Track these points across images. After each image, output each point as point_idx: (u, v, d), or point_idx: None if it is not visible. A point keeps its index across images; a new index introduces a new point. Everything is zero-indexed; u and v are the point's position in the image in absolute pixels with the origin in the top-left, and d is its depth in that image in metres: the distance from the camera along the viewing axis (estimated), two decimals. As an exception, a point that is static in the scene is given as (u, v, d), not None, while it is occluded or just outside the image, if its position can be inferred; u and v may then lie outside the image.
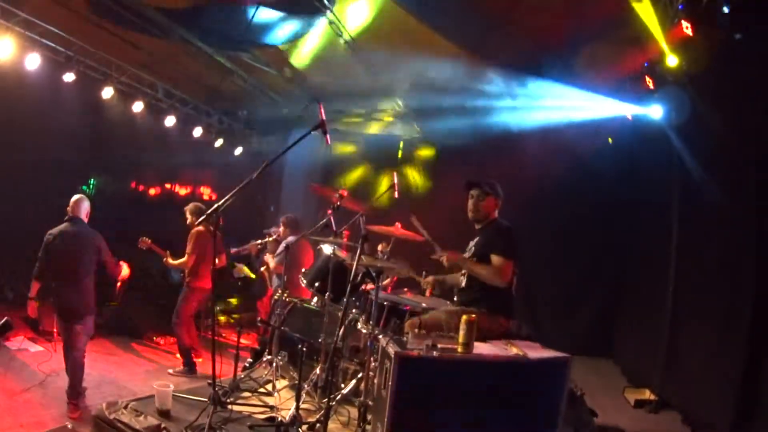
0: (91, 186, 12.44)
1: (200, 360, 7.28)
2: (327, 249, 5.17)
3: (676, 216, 7.47)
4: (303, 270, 5.53)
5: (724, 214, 6.32)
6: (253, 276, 7.80)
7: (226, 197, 4.18)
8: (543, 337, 4.44)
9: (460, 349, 3.62)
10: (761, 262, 5.39)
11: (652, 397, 7.36)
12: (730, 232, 6.15)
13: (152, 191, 12.43)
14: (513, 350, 3.86)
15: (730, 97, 6.20)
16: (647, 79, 7.80)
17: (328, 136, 4.10)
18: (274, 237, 7.13)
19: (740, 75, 5.95)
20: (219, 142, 11.30)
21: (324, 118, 4.09)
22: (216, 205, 4.18)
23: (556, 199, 10.66)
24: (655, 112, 8.04)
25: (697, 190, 6.97)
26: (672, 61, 6.85)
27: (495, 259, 4.54)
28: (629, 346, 9.28)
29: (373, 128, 11.31)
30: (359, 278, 4.83)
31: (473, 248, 4.80)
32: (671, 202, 7.59)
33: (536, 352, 3.93)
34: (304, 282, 5.28)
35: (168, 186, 12.55)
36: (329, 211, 4.82)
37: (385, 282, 7.46)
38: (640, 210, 9.60)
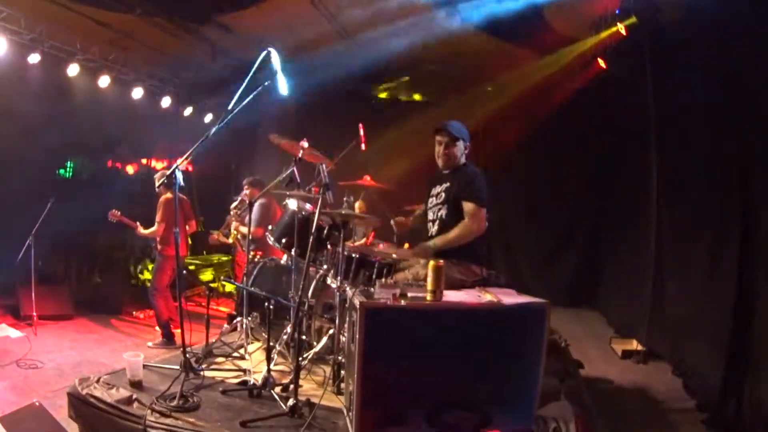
0: (69, 168, 12.22)
1: (179, 331, 7.16)
2: (292, 204, 5.02)
3: (656, 161, 7.37)
4: (270, 227, 5.40)
5: (705, 157, 6.21)
6: (229, 242, 7.66)
7: (182, 158, 4.23)
8: (526, 289, 4.32)
9: (428, 297, 3.49)
10: (747, 206, 5.26)
11: (640, 347, 7.32)
12: (713, 176, 6.03)
13: (130, 168, 12.21)
14: (486, 297, 3.72)
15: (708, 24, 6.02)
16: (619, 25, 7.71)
17: (282, 84, 4.00)
18: (240, 199, 6.94)
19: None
20: (188, 111, 11.15)
21: (278, 68, 3.98)
22: (174, 166, 4.20)
23: (534, 150, 10.64)
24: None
25: (677, 134, 6.87)
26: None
27: (468, 206, 4.42)
28: (614, 295, 9.28)
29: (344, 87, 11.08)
30: (325, 232, 4.69)
31: (443, 194, 4.65)
32: (650, 148, 7.48)
33: (511, 298, 3.79)
34: (271, 239, 5.14)
35: (144, 161, 12.35)
36: (293, 164, 4.67)
37: (362, 240, 7.34)
38: (618, 156, 9.55)
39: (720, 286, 5.57)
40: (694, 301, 6.24)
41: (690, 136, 6.55)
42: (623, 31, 7.73)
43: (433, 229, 4.70)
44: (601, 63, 8.73)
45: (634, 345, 7.44)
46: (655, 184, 7.33)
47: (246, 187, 7.21)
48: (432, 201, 4.77)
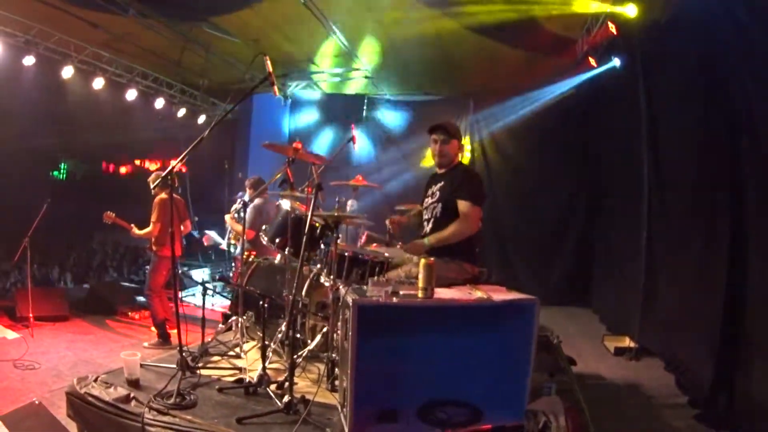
0: (62, 170, 12.27)
1: (174, 331, 7.19)
2: (286, 204, 5.07)
3: (647, 159, 7.42)
4: (264, 227, 5.45)
5: (696, 155, 6.26)
6: (222, 242, 7.69)
7: (178, 159, 4.20)
8: (519, 287, 4.36)
9: (420, 294, 3.54)
10: (735, 201, 5.32)
11: (632, 344, 7.38)
12: (704, 173, 6.08)
13: (123, 170, 12.27)
14: (477, 294, 3.77)
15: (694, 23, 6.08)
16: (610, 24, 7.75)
17: (275, 87, 4.04)
18: (239, 199, 6.98)
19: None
20: (182, 112, 11.18)
21: (270, 70, 4.00)
22: (169, 168, 4.20)
23: (528, 150, 10.71)
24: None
25: (668, 132, 6.92)
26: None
27: (462, 204, 4.48)
28: (607, 293, 9.33)
29: (338, 88, 11.12)
30: (318, 231, 4.74)
31: (438, 193, 4.72)
32: (641, 146, 7.53)
33: (501, 295, 3.83)
34: (265, 239, 5.20)
35: (138, 163, 12.40)
36: (285, 165, 4.73)
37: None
38: (610, 155, 9.61)
39: (710, 283, 5.63)
40: (685, 298, 6.30)
41: (681, 134, 6.60)
42: (614, 30, 7.79)
43: (428, 227, 4.77)
44: (592, 62, 8.80)
45: (627, 342, 7.50)
46: (647, 182, 7.39)
47: (247, 187, 7.27)
48: (428, 200, 4.84)
